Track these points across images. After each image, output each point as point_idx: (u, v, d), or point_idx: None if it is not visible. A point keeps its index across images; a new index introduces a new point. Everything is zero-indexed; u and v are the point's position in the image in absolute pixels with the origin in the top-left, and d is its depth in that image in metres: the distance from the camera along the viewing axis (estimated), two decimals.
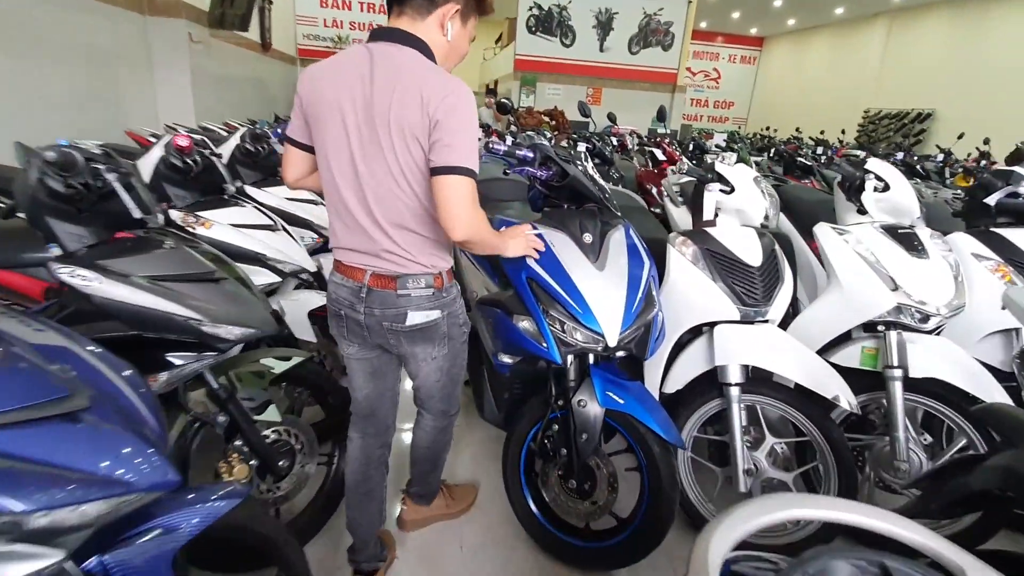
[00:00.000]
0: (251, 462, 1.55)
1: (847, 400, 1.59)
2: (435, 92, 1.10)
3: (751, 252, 1.77)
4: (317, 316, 2.07)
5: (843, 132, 10.78)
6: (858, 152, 5.37)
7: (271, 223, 2.06)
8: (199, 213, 1.97)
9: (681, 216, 2.19)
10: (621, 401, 1.51)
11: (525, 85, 12.17)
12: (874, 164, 2.02)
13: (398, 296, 1.27)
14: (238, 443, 1.52)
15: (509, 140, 1.59)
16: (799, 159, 4.57)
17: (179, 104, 6.33)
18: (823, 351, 1.86)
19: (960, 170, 5.09)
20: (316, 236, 2.37)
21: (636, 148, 6.01)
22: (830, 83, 14.75)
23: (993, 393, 1.60)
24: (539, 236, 1.59)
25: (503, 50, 13.70)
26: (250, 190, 2.15)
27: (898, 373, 1.68)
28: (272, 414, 1.57)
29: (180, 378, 1.34)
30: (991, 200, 2.03)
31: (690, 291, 1.76)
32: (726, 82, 17.69)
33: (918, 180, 4.37)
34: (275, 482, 1.62)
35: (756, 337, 1.69)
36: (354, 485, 1.54)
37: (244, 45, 8.51)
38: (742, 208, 1.84)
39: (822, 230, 1.95)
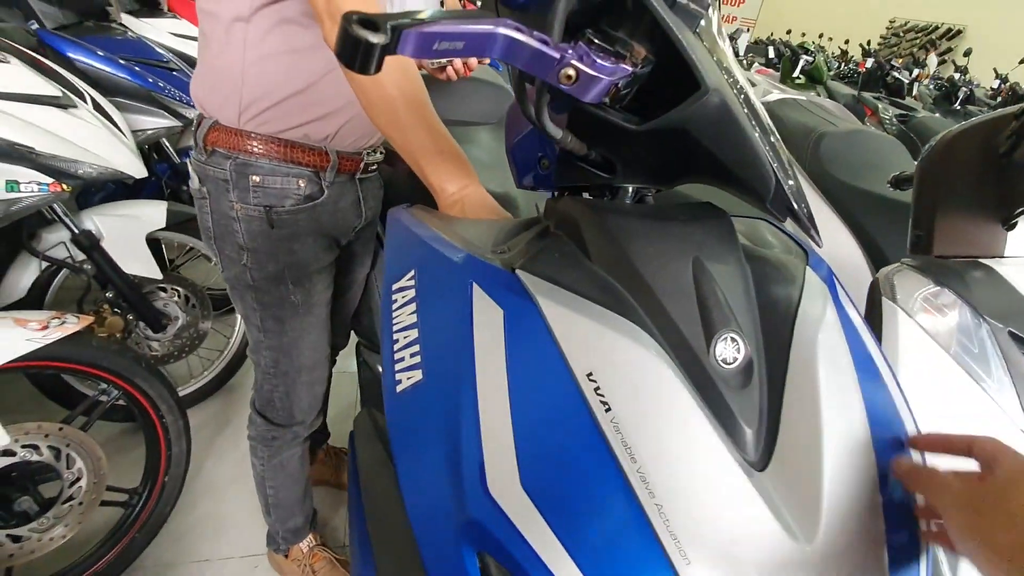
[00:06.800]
0: (128, 316, 1.48)
1: None
2: None
3: None
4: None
5: (868, 43, 9.93)
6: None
7: (165, 60, 1.80)
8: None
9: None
10: None
11: None
12: None
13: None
14: (110, 295, 1.43)
15: None
16: (892, 74, 3.67)
17: None
18: None
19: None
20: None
21: None
22: None
23: None
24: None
25: None
26: (127, 19, 1.83)
27: None
28: (148, 269, 1.45)
29: (17, 212, 1.19)
30: None
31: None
32: None
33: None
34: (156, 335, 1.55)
35: None
36: None
37: None
38: None
39: None
